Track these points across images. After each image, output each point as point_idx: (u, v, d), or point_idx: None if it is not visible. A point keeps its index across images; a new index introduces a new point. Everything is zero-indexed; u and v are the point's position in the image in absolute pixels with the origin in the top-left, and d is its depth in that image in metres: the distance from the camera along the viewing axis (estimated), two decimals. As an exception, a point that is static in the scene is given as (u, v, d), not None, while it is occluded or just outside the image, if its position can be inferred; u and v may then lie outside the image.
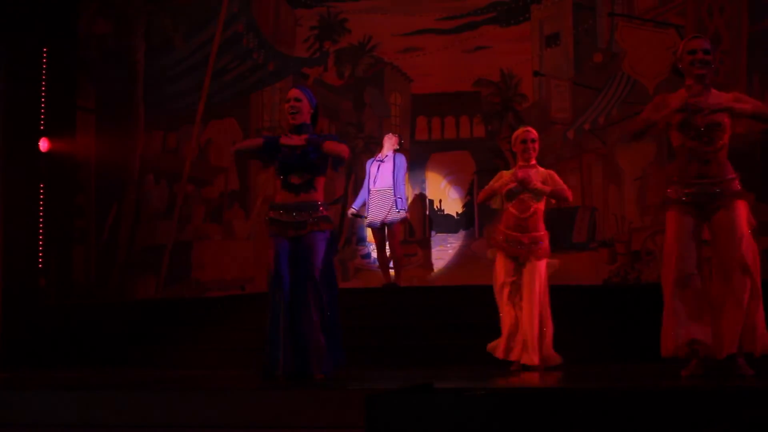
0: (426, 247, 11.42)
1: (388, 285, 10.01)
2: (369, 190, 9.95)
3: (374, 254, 10.76)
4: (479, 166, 11.27)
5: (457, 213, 11.49)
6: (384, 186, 9.92)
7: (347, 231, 11.56)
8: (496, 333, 7.22)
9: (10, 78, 11.27)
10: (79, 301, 11.75)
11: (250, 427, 4.78)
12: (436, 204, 11.55)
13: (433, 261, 11.40)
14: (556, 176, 7.35)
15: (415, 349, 8.39)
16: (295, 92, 6.24)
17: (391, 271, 10.05)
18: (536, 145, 7.28)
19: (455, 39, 11.63)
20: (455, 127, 11.50)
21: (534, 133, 7.28)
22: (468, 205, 11.37)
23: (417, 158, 11.45)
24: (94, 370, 8.58)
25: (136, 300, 11.85)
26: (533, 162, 7.29)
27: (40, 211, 11.65)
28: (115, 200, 12.31)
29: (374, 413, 3.90)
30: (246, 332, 9.29)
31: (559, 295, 8.58)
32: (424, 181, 11.56)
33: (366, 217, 9.97)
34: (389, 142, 9.99)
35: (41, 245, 11.67)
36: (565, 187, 7.29)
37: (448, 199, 11.46)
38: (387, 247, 10.01)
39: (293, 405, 4.82)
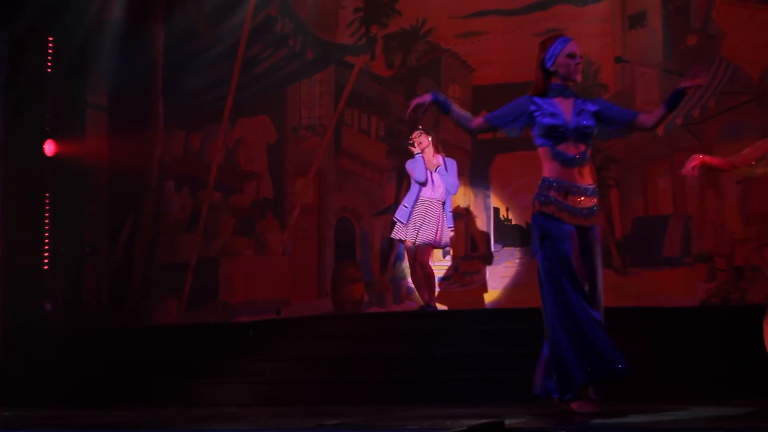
0: (490, 263, 11.41)
1: (426, 306, 10.05)
2: (417, 198, 10.01)
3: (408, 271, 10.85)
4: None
5: (527, 223, 11.10)
6: (435, 197, 10.04)
7: (397, 246, 11.43)
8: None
9: (12, 71, 11.37)
10: (90, 327, 11.72)
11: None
12: (502, 213, 11.51)
13: (499, 279, 11.35)
14: None
15: (479, 383, 8.33)
16: (576, 45, 5.92)
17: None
18: None
19: (523, 21, 11.56)
20: (524, 124, 11.38)
21: None
22: (539, 214, 11.24)
23: (479, 161, 11.47)
24: (108, 407, 8.54)
25: (155, 326, 11.88)
26: None
27: (45, 223, 11.73)
28: (130, 211, 12.40)
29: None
30: (282, 363, 9.45)
31: (648, 318, 8.54)
32: (488, 187, 11.59)
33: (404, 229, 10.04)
34: (427, 142, 10.08)
35: (46, 263, 11.76)
36: None
37: (516, 207, 11.39)
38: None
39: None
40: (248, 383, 9.31)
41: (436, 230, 9.93)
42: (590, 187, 5.83)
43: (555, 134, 5.76)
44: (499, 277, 11.35)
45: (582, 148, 5.79)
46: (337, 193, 12.04)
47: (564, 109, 5.79)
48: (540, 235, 5.85)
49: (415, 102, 5.94)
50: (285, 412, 6.99)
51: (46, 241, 11.75)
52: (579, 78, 5.89)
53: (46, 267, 11.77)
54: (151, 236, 12.35)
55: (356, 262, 11.91)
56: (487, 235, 11.52)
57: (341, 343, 9.53)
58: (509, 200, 11.50)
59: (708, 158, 6.61)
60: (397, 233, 10.09)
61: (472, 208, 11.58)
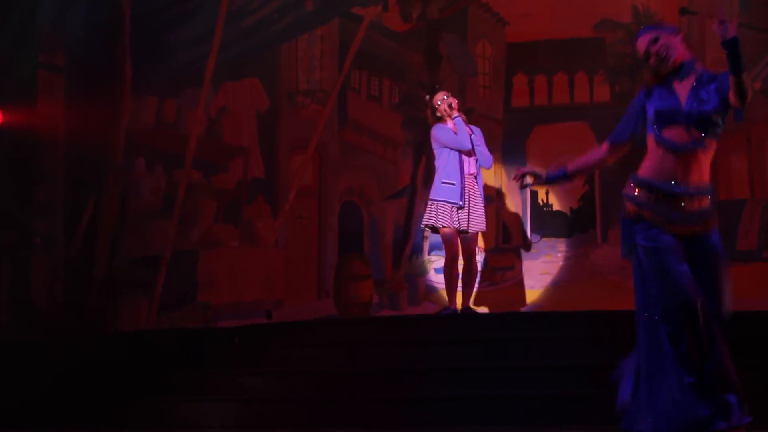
0: (527, 257, 11.37)
1: (461, 310, 9.76)
2: (462, 173, 9.58)
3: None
4: (603, 142, 11.07)
5: (570, 209, 11.43)
6: (474, 172, 9.72)
7: (415, 235, 11.56)
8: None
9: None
10: (42, 333, 11.75)
11: None
12: (540, 196, 11.49)
13: (537, 277, 11.32)
14: None
15: (514, 401, 8.24)
16: (645, 37, 5.63)
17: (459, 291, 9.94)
18: None
19: (568, -37, 11.47)
20: (568, 89, 11.46)
21: None
22: (586, 198, 11.29)
23: (514, 132, 11.47)
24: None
25: (120, 332, 11.85)
26: None
27: (-12, 209, 11.43)
28: (91, 193, 12.46)
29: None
30: (274, 377, 9.40)
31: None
32: (524, 165, 11.10)
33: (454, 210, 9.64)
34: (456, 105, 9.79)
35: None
36: None
37: (558, 189, 11.27)
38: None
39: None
40: (234, 401, 9.20)
41: (486, 213, 9.72)
42: (700, 185, 5.45)
43: (662, 118, 5.52)
44: (537, 275, 11.31)
45: (696, 134, 5.41)
46: (342, 173, 12.08)
47: (679, 91, 5.54)
48: (629, 246, 5.65)
49: (522, 171, 6.01)
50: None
51: (-11, 230, 11.31)
52: (665, 66, 5.57)
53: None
54: (116, 224, 12.43)
55: (364, 255, 11.92)
56: (523, 222, 11.49)
57: (346, 352, 9.41)
58: (550, 181, 11.39)
59: None
60: (444, 219, 9.54)
61: (504, 190, 11.55)
